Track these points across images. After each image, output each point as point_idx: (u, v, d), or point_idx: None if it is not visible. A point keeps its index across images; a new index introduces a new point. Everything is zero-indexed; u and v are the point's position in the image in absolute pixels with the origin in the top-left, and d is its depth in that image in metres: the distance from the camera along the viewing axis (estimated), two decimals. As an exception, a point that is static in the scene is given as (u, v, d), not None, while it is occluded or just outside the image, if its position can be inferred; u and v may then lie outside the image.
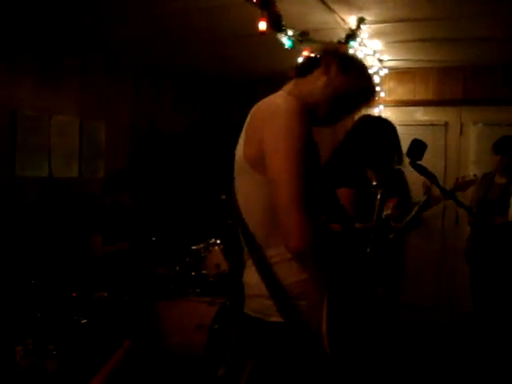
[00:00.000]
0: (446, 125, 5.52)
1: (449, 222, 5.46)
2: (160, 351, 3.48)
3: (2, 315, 3.23)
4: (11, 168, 4.11)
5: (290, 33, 3.50)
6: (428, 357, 4.50)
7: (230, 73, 5.81)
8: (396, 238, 2.90)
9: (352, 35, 3.89)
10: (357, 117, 3.13)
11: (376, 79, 5.06)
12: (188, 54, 5.03)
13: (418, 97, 5.54)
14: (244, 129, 1.68)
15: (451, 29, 4.03)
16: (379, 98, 5.31)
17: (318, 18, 3.76)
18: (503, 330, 4.25)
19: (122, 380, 3.01)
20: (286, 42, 3.52)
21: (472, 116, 5.43)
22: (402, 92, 5.59)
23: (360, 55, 4.27)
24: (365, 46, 4.29)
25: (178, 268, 4.08)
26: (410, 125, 5.46)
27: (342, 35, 3.89)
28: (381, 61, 4.99)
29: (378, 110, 5.30)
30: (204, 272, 4.12)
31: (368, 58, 4.63)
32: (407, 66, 5.38)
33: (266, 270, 1.60)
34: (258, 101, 1.71)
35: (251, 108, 1.71)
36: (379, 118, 3.26)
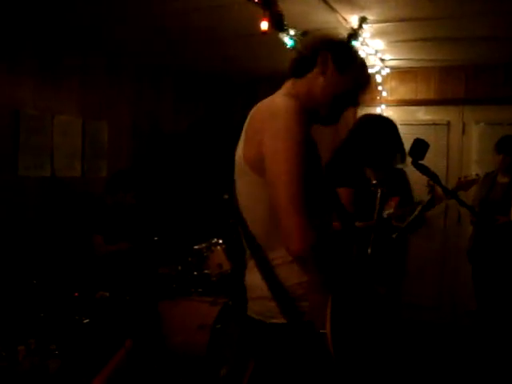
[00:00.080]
0: (448, 124, 5.51)
1: (451, 221, 5.46)
2: (162, 351, 3.48)
3: (5, 315, 3.24)
4: (14, 168, 4.12)
5: (292, 32, 3.50)
6: (431, 356, 4.50)
7: (231, 72, 5.81)
8: (399, 237, 2.90)
9: (354, 35, 3.89)
10: (359, 116, 3.13)
11: (378, 79, 5.07)
12: (189, 53, 5.04)
13: (420, 96, 5.53)
14: (243, 130, 1.67)
15: (453, 28, 4.03)
16: (381, 97, 5.32)
17: (319, 17, 3.76)
18: (506, 329, 4.25)
19: (124, 380, 3.01)
20: (288, 41, 3.52)
21: (474, 115, 5.42)
22: (404, 91, 5.59)
23: (362, 55, 4.27)
24: (367, 45, 4.29)
25: (180, 268, 4.08)
26: (412, 124, 5.46)
27: (344, 35, 3.89)
28: (383, 60, 4.99)
29: (379, 110, 5.30)
30: (206, 272, 4.12)
31: (370, 57, 4.63)
32: (409, 66, 5.37)
33: (268, 272, 1.60)
34: (260, 100, 1.70)
35: (253, 107, 1.70)
36: (380, 117, 3.26)
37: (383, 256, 2.72)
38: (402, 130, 3.10)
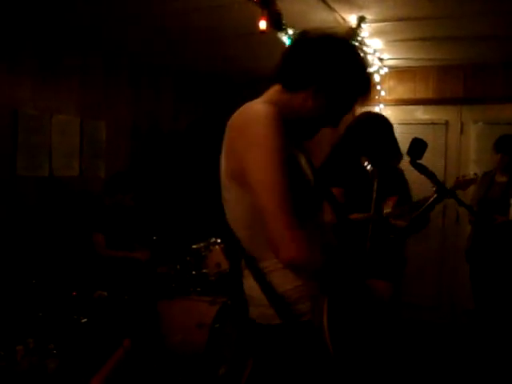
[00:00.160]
0: (446, 123, 5.51)
1: (449, 220, 5.46)
2: (161, 350, 3.49)
3: (3, 315, 3.23)
4: (12, 167, 4.12)
5: (291, 32, 3.50)
6: (429, 355, 4.50)
7: (231, 72, 5.81)
8: (402, 236, 2.91)
9: (352, 34, 3.89)
10: (357, 113, 3.15)
11: (376, 78, 5.07)
12: (189, 53, 5.04)
13: (419, 95, 5.54)
14: (224, 141, 1.59)
15: (451, 27, 4.03)
16: (379, 96, 5.32)
17: (318, 16, 3.76)
18: (504, 329, 4.25)
19: (123, 379, 3.01)
20: (287, 40, 3.52)
21: (472, 115, 5.42)
22: (403, 91, 5.59)
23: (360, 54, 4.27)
24: (365, 44, 4.30)
25: (178, 267, 4.08)
26: (411, 124, 5.46)
27: (343, 34, 3.89)
28: (381, 59, 4.99)
29: (378, 109, 5.30)
30: (205, 271, 4.12)
31: (368, 56, 4.63)
32: (407, 65, 5.38)
33: (261, 280, 1.59)
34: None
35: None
36: (376, 115, 3.28)
37: (383, 255, 2.73)
38: (400, 129, 3.12)
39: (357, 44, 4.01)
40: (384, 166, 3.04)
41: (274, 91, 1.68)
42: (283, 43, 3.53)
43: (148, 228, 4.60)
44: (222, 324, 3.60)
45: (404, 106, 5.62)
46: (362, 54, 1.71)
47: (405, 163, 2.40)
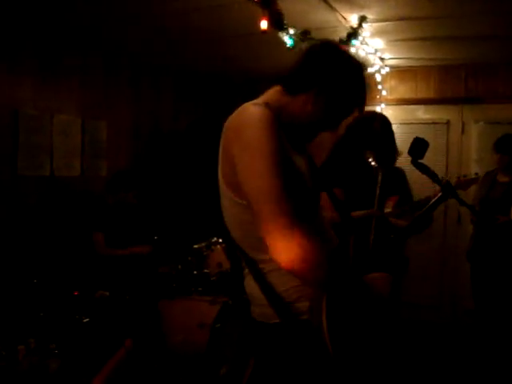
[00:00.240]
0: (447, 123, 5.51)
1: (451, 220, 5.46)
2: (162, 350, 3.49)
3: (5, 314, 3.24)
4: (13, 167, 4.12)
5: (292, 31, 3.50)
6: (430, 355, 4.50)
7: (231, 72, 5.81)
8: (403, 236, 2.91)
9: (353, 34, 3.89)
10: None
11: (377, 78, 5.07)
12: (189, 53, 5.03)
13: (420, 95, 5.54)
14: (221, 141, 1.59)
15: (453, 27, 4.03)
16: (381, 96, 5.32)
17: (319, 16, 3.76)
18: (505, 329, 4.25)
19: (124, 379, 3.01)
20: (288, 40, 3.52)
21: (473, 114, 5.42)
22: (404, 90, 5.59)
23: (361, 54, 4.27)
24: (366, 44, 4.29)
25: (180, 267, 4.08)
26: (412, 123, 5.46)
27: (344, 34, 3.89)
28: (382, 59, 4.99)
29: (379, 109, 5.30)
30: (206, 271, 4.12)
31: (369, 56, 4.63)
32: (409, 65, 5.37)
33: (260, 280, 1.59)
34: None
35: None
36: (376, 113, 3.29)
37: (382, 254, 2.73)
38: (401, 128, 3.13)
39: (358, 44, 4.01)
40: (385, 166, 3.05)
41: (274, 92, 1.68)
42: (283, 43, 3.53)
43: (150, 227, 4.60)
44: (224, 324, 3.60)
45: (405, 106, 5.61)
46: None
47: (406, 163, 2.40)
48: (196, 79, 6.13)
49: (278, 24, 3.34)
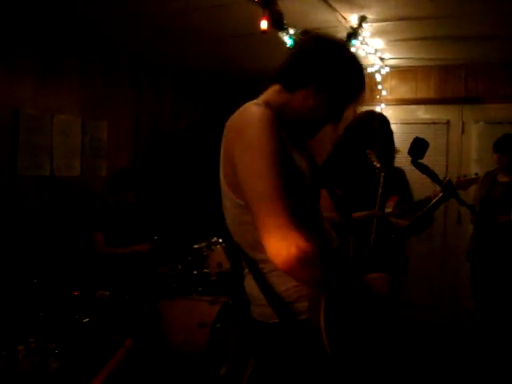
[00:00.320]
0: (447, 123, 5.51)
1: (451, 220, 5.46)
2: (162, 350, 3.48)
3: (5, 314, 3.24)
4: (13, 167, 4.12)
5: (292, 31, 3.50)
6: (430, 355, 4.50)
7: (231, 71, 5.81)
8: (403, 236, 2.90)
9: (354, 34, 3.89)
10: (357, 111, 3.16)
11: (378, 78, 5.07)
12: (189, 53, 5.03)
13: (420, 95, 5.53)
14: (222, 141, 1.58)
15: (453, 27, 4.03)
16: (381, 96, 5.32)
17: (319, 16, 3.76)
18: (505, 329, 4.25)
19: (124, 379, 3.01)
20: (288, 40, 3.52)
21: (474, 114, 5.42)
22: (404, 90, 5.59)
23: (361, 54, 4.27)
24: (366, 44, 4.29)
25: (180, 267, 4.08)
26: (412, 123, 5.47)
27: (344, 34, 3.89)
28: (382, 59, 4.99)
29: (379, 109, 5.30)
30: (206, 271, 4.12)
31: (370, 56, 4.63)
32: (409, 65, 5.37)
33: (260, 280, 1.59)
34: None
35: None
36: (375, 113, 3.29)
37: (383, 254, 2.73)
38: (401, 128, 3.13)
39: (358, 44, 4.01)
40: (386, 164, 3.05)
41: (272, 91, 1.68)
42: (283, 43, 3.53)
43: (150, 227, 4.60)
44: (224, 324, 3.60)
45: (405, 106, 5.62)
46: (359, 54, 1.72)
47: (406, 163, 2.39)
48: (196, 79, 6.13)
49: (278, 24, 3.34)
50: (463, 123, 5.47)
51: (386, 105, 5.42)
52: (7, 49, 4.04)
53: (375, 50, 4.65)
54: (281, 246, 1.39)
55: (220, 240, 4.34)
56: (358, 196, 2.92)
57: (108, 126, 5.04)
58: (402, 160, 3.06)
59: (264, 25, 3.16)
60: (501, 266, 4.23)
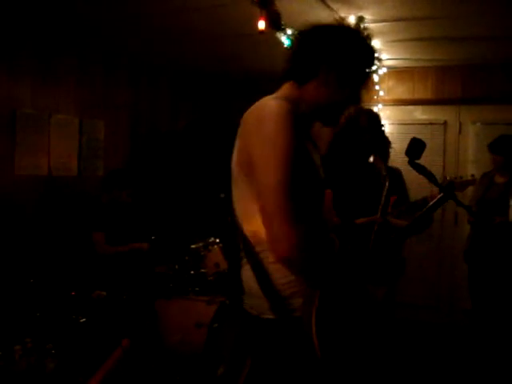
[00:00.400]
0: (444, 124, 5.52)
1: (448, 221, 5.47)
2: (159, 350, 3.48)
3: (1, 314, 3.23)
4: (11, 167, 4.11)
5: (289, 32, 3.51)
6: (427, 355, 4.50)
7: (229, 71, 5.81)
8: (403, 236, 2.90)
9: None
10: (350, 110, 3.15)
11: (375, 78, 5.08)
12: (187, 53, 5.03)
13: (417, 96, 5.54)
14: (238, 135, 1.64)
15: (450, 28, 4.04)
16: (378, 96, 5.32)
17: (317, 16, 3.76)
18: (502, 329, 4.26)
19: (121, 379, 3.01)
20: (285, 40, 3.52)
21: (471, 115, 5.43)
22: (401, 91, 5.60)
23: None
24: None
25: (177, 267, 4.08)
26: (409, 124, 5.48)
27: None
28: (379, 60, 4.99)
29: (376, 109, 5.31)
30: (203, 271, 4.12)
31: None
32: (406, 65, 5.38)
33: (259, 271, 1.61)
34: (258, 99, 1.69)
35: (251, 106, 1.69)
36: (370, 110, 3.29)
37: (382, 255, 2.73)
38: (398, 129, 3.12)
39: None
40: (385, 161, 3.04)
41: (285, 88, 1.72)
42: (282, 43, 3.53)
43: (146, 227, 4.60)
44: (221, 324, 3.60)
45: (403, 106, 5.63)
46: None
47: (403, 163, 2.40)
48: (194, 79, 6.13)
49: (275, 24, 3.34)
50: (460, 124, 5.48)
51: (384, 105, 5.43)
52: (6, 48, 4.03)
53: (373, 51, 4.65)
54: (280, 240, 1.45)
55: (217, 240, 4.34)
56: (358, 197, 2.92)
57: (105, 126, 5.03)
58: (399, 160, 3.06)
59: (262, 25, 3.16)
60: (498, 266, 4.24)
